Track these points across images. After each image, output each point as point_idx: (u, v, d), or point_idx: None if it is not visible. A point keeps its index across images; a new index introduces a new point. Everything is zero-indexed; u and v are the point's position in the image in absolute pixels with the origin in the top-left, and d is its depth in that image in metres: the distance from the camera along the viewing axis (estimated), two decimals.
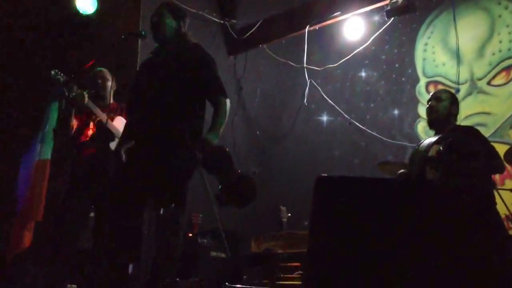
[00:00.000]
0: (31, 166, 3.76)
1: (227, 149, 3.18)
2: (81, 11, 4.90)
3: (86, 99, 3.77)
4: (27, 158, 3.83)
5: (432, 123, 3.60)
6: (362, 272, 1.94)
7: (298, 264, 4.68)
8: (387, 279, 1.95)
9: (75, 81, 3.69)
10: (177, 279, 2.80)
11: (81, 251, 3.81)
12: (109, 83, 4.01)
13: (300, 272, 4.67)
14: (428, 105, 3.63)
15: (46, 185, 3.58)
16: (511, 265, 2.02)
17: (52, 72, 3.71)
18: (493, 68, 5.55)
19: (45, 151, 3.77)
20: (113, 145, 3.84)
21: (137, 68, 3.48)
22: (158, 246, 2.99)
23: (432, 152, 3.27)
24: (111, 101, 4.03)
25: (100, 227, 3.75)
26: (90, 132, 3.96)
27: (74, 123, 3.91)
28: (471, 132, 3.42)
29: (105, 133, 3.86)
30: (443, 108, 3.54)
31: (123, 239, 2.96)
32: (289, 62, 6.20)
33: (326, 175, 2.20)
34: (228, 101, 3.19)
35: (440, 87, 5.65)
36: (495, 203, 2.91)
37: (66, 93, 3.59)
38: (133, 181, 3.00)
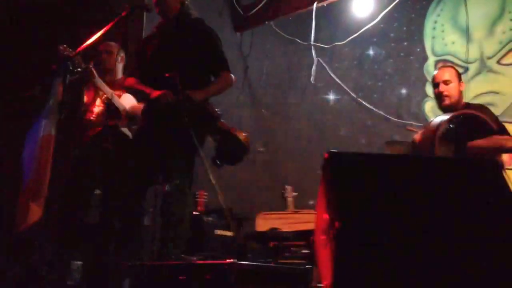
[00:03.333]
0: (36, 140, 3.73)
1: (212, 105, 3.14)
2: None
3: (95, 74, 3.73)
4: (32, 133, 3.80)
5: (446, 107, 3.49)
6: (375, 248, 1.91)
7: (303, 242, 4.68)
8: (400, 254, 1.93)
9: (82, 56, 3.64)
10: (183, 255, 2.79)
11: (88, 227, 3.81)
12: (116, 57, 3.94)
13: (304, 250, 4.68)
14: (437, 91, 3.51)
15: (50, 160, 3.55)
16: None
17: (60, 47, 3.66)
18: (503, 47, 5.48)
19: (50, 126, 3.73)
20: (120, 122, 3.81)
21: (141, 43, 3.44)
22: (164, 222, 2.99)
23: (441, 131, 3.22)
24: (120, 75, 3.98)
25: (106, 204, 3.74)
26: (96, 110, 3.92)
27: (82, 99, 3.88)
28: (482, 109, 3.37)
29: (111, 110, 3.81)
30: (454, 90, 3.46)
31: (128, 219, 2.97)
32: (296, 39, 6.12)
33: (336, 151, 2.16)
34: (232, 76, 3.20)
35: (443, 67, 5.56)
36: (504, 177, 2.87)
37: (73, 69, 3.55)
38: (143, 158, 3.00)
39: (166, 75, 2.96)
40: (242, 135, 3.18)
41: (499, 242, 1.99)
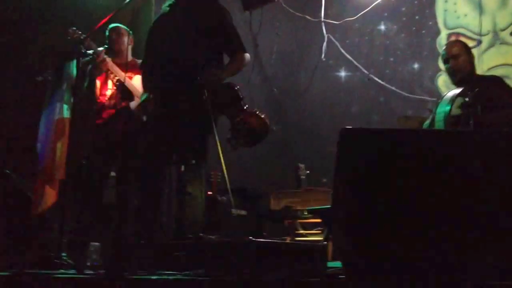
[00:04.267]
0: (50, 124, 3.76)
1: (236, 86, 3.13)
2: None
3: (106, 57, 3.74)
4: (46, 117, 3.83)
5: (459, 82, 3.45)
6: (390, 222, 1.91)
7: (317, 220, 4.71)
8: (414, 228, 1.93)
9: (93, 39, 3.64)
10: (201, 234, 2.82)
11: (104, 208, 3.85)
12: (125, 39, 3.93)
13: (319, 228, 4.71)
14: (448, 67, 3.50)
15: (66, 143, 3.58)
16: None
17: (70, 30, 3.66)
18: None
19: (64, 109, 3.76)
20: (133, 104, 3.82)
21: (152, 24, 3.42)
22: (180, 202, 3.01)
23: (456, 105, 3.19)
24: (130, 58, 3.98)
25: (122, 186, 3.78)
26: (109, 93, 3.93)
27: (96, 82, 3.90)
28: (496, 81, 3.33)
29: (124, 92, 3.82)
30: (464, 63, 3.43)
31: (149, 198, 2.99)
32: (306, 16, 6.06)
33: (350, 127, 2.16)
34: (247, 55, 3.18)
35: (462, 38, 5.49)
36: None
37: (85, 52, 3.55)
38: (158, 139, 3.01)
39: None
40: (262, 118, 3.16)
41: None
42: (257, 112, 3.17)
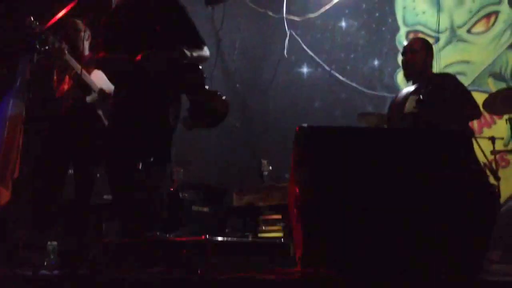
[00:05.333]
0: (2, 121, 3.66)
1: (200, 67, 3.10)
2: None
3: (65, 51, 3.65)
4: (1, 113, 3.73)
5: (410, 76, 3.55)
6: (346, 219, 1.94)
7: (279, 216, 4.73)
8: (369, 223, 1.97)
9: (51, 32, 3.55)
10: (157, 233, 2.80)
11: (62, 207, 3.78)
12: (82, 34, 3.86)
13: (281, 224, 4.73)
14: (403, 59, 3.57)
15: (20, 141, 3.49)
16: (491, 210, 2.04)
17: (27, 19, 3.55)
18: (473, 16, 5.52)
19: (18, 106, 3.66)
20: (89, 99, 3.76)
21: (110, 16, 3.34)
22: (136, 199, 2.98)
23: (409, 102, 3.26)
24: (87, 53, 3.91)
25: (80, 184, 3.72)
26: (65, 87, 3.85)
27: (52, 76, 3.81)
28: (449, 79, 3.41)
29: (82, 86, 3.75)
30: (420, 60, 3.50)
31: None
32: (268, 12, 6.07)
33: (306, 125, 2.18)
34: (206, 48, 3.17)
35: (420, 35, 5.60)
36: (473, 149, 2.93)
37: (42, 46, 3.46)
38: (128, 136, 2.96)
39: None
40: (224, 99, 3.16)
41: (465, 213, 2.04)
42: (219, 93, 3.16)
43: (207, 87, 3.15)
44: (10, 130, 3.61)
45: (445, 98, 3.10)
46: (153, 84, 2.96)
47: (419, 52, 3.51)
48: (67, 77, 3.81)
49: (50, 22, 3.46)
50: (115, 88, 3.24)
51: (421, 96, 3.06)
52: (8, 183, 3.63)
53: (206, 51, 3.21)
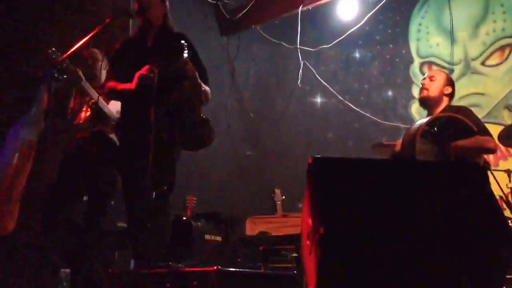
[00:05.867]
0: (13, 147, 3.69)
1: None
2: None
3: (83, 78, 3.72)
4: (10, 139, 3.76)
5: (423, 102, 3.56)
6: (360, 252, 1.92)
7: (292, 246, 4.69)
8: (384, 257, 1.94)
9: (70, 61, 3.62)
10: (169, 263, 2.79)
11: (74, 232, 3.78)
12: (100, 63, 3.93)
13: (294, 254, 4.68)
14: (421, 82, 3.61)
15: (29, 167, 3.52)
16: (506, 245, 2.00)
17: (49, 51, 3.63)
18: (487, 48, 5.53)
19: (32, 132, 3.70)
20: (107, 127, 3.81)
21: (118, 50, 3.42)
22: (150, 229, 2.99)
23: (422, 133, 3.25)
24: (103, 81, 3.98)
25: (93, 211, 3.73)
26: (83, 115, 3.91)
27: (69, 105, 3.87)
28: (463, 111, 3.40)
29: (99, 115, 3.80)
30: (435, 87, 3.51)
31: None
32: (282, 43, 6.13)
33: (320, 156, 2.17)
34: (208, 89, 3.25)
35: (434, 67, 5.62)
36: (489, 182, 2.90)
37: (60, 74, 3.53)
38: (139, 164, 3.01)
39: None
40: (212, 128, 3.23)
41: (482, 245, 2.01)
42: (209, 121, 3.22)
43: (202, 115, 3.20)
44: (21, 155, 3.65)
45: (459, 130, 3.08)
46: (157, 106, 3.01)
47: (436, 81, 3.52)
48: (85, 105, 3.87)
49: (69, 51, 3.53)
50: (121, 112, 3.32)
51: (435, 128, 3.05)
52: (16, 207, 3.65)
53: (208, 91, 3.29)
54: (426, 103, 3.55)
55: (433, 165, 2.60)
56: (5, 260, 3.88)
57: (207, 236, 4.95)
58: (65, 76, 3.71)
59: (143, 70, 3.01)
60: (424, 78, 3.60)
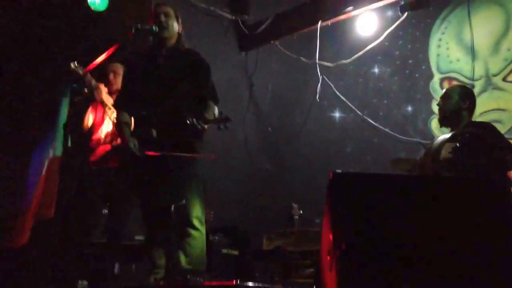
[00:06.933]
0: (42, 163, 3.74)
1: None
2: (92, 7, 4.85)
3: (104, 93, 3.77)
4: (37, 155, 3.82)
5: (442, 122, 3.55)
6: (380, 267, 1.90)
7: (309, 261, 4.66)
8: (405, 274, 1.92)
9: (92, 75, 3.68)
10: (188, 276, 2.79)
11: (93, 246, 3.81)
12: (121, 78, 3.98)
13: (311, 270, 4.65)
14: (438, 103, 3.60)
15: (57, 182, 3.57)
16: None
17: (72, 65, 3.70)
18: (509, 64, 5.47)
19: (58, 147, 3.76)
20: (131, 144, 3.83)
21: (131, 65, 3.47)
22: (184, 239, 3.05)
23: (445, 149, 3.22)
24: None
25: (114, 223, 3.75)
26: (105, 129, 3.95)
27: (87, 118, 3.91)
28: (486, 127, 3.37)
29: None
30: (451, 105, 3.49)
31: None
32: (301, 58, 6.15)
33: (340, 171, 2.17)
34: (216, 107, 3.29)
35: (454, 83, 5.57)
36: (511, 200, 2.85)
37: (81, 88, 3.58)
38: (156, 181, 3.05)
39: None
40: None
41: (506, 262, 1.98)
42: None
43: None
44: (50, 171, 3.70)
45: (483, 146, 3.05)
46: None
47: (451, 98, 3.50)
48: (107, 118, 3.91)
49: (91, 65, 3.58)
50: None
51: (457, 144, 3.02)
52: (30, 222, 3.69)
53: (215, 108, 3.32)
54: (446, 123, 3.53)
55: (455, 180, 2.57)
56: (19, 272, 3.92)
57: (224, 250, 4.95)
58: (86, 90, 3.77)
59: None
60: (440, 98, 3.58)
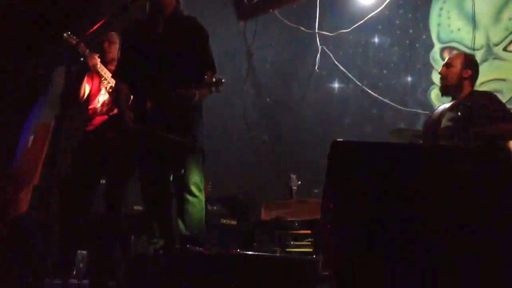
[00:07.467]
0: (30, 129, 3.70)
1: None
2: None
3: (98, 63, 3.71)
4: (28, 122, 3.77)
5: (443, 91, 3.50)
6: (381, 236, 1.89)
7: (308, 231, 4.68)
8: (405, 241, 1.91)
9: (86, 44, 3.61)
10: (188, 246, 2.79)
11: (93, 216, 3.80)
12: (117, 46, 3.91)
13: (310, 239, 4.67)
14: (440, 71, 3.55)
15: (45, 149, 3.52)
16: None
17: (65, 35, 3.63)
18: (510, 34, 5.41)
19: (48, 115, 3.70)
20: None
21: (128, 34, 3.40)
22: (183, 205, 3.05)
23: (446, 119, 3.20)
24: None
25: (112, 193, 3.73)
26: (101, 99, 3.90)
27: (84, 88, 3.86)
28: (488, 96, 3.33)
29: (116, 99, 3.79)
30: (452, 74, 3.44)
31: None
32: (301, 27, 6.06)
33: (341, 140, 2.14)
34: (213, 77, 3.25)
35: (454, 52, 5.51)
36: None
37: (76, 57, 3.53)
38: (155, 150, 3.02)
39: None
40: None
41: (508, 232, 1.97)
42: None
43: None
44: (38, 138, 3.65)
45: (484, 115, 3.02)
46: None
47: (453, 67, 3.45)
48: (103, 88, 3.86)
49: (85, 34, 3.52)
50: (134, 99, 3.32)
51: (459, 113, 2.99)
52: (29, 189, 3.66)
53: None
54: (447, 91, 3.48)
55: (456, 150, 2.55)
56: (18, 239, 3.91)
57: (222, 220, 4.97)
58: (81, 60, 3.71)
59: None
60: (442, 66, 3.53)
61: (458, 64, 3.45)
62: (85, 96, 3.90)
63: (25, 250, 3.61)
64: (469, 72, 3.42)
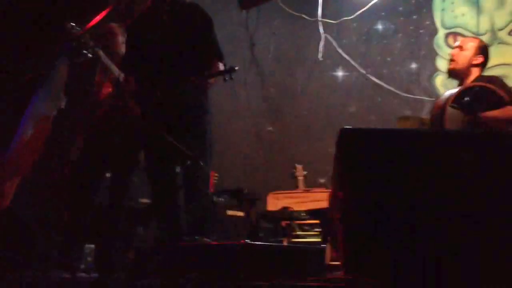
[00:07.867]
0: (30, 120, 3.67)
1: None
2: None
3: (102, 54, 3.70)
4: (27, 113, 3.75)
5: (451, 74, 3.45)
6: (391, 224, 1.88)
7: (314, 221, 4.67)
8: (415, 228, 1.90)
9: (89, 36, 3.59)
10: (196, 237, 2.78)
11: (98, 209, 3.80)
12: (119, 38, 3.89)
13: (316, 229, 4.67)
14: (450, 54, 3.50)
15: (41, 143, 3.49)
16: None
17: (68, 25, 3.61)
18: None
19: (48, 107, 3.67)
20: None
21: (133, 26, 3.39)
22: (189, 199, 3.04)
23: (451, 104, 3.16)
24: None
25: (117, 186, 3.72)
26: (106, 90, 3.89)
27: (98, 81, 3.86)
28: (495, 81, 3.29)
29: (120, 91, 3.77)
30: (463, 58, 3.39)
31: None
32: (303, 15, 6.01)
33: (349, 127, 2.12)
34: (221, 65, 3.22)
35: (459, 38, 5.46)
36: None
37: (79, 49, 3.51)
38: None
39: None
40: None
41: None
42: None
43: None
44: (37, 129, 3.62)
45: (491, 100, 2.99)
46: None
47: (466, 50, 3.40)
48: (108, 81, 3.85)
49: (88, 25, 3.49)
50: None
51: (466, 98, 2.96)
52: (15, 181, 3.63)
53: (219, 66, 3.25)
54: (454, 75, 3.44)
55: (463, 134, 2.53)
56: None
57: (228, 212, 4.96)
58: (84, 51, 3.69)
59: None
60: (454, 47, 3.48)
61: (471, 48, 3.41)
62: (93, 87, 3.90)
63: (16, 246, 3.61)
64: (480, 58, 3.38)
